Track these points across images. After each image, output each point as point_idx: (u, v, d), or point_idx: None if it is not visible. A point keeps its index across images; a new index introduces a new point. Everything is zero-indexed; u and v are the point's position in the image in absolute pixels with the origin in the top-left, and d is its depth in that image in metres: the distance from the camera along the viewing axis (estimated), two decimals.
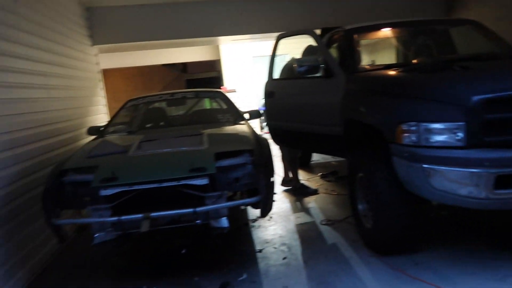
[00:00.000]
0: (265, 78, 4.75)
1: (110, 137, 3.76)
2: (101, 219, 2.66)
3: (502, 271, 2.62)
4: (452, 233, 3.32)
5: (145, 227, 2.57)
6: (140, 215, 2.60)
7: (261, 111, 5.02)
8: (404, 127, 2.57)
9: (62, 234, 2.81)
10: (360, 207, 3.29)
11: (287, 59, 5.07)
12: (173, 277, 3.02)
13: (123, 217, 2.61)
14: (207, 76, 11.93)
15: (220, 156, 2.88)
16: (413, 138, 2.54)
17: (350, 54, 3.78)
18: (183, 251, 3.38)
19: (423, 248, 3.03)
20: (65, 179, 2.83)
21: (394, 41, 4.80)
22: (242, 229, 3.88)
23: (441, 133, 2.46)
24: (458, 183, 2.43)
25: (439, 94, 2.57)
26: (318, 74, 3.79)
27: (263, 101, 10.52)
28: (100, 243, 2.75)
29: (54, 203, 2.75)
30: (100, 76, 6.09)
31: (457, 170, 2.40)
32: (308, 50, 4.72)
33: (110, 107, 6.40)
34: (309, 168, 6.23)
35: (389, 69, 3.45)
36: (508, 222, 3.38)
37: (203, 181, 2.68)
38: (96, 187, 2.65)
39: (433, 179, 2.48)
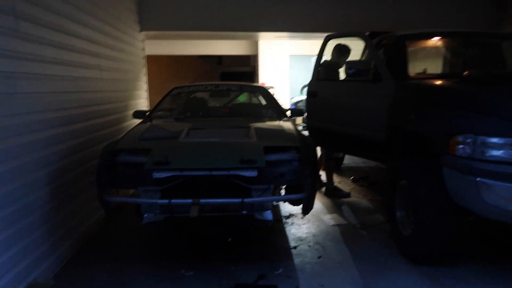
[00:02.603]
0: (304, 78, 4.76)
1: (158, 122, 3.86)
2: (152, 200, 2.75)
3: None
4: (489, 250, 3.29)
5: (194, 212, 2.64)
6: (189, 200, 2.67)
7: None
8: (460, 138, 2.55)
9: (111, 210, 2.92)
10: (398, 214, 3.28)
11: (313, 60, 5.06)
12: (209, 264, 3.09)
13: (173, 200, 2.69)
14: (241, 70, 12.02)
15: (268, 150, 2.93)
16: (468, 150, 2.52)
17: (401, 60, 3.76)
18: (229, 239, 3.45)
19: (460, 262, 3.01)
20: (118, 159, 2.93)
21: (443, 50, 4.74)
22: (274, 225, 3.92)
23: (498, 148, 2.44)
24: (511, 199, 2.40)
25: (499, 108, 2.54)
26: (364, 78, 3.80)
27: (294, 100, 10.50)
28: (148, 223, 2.85)
29: (107, 181, 2.85)
30: (144, 62, 6.24)
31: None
32: (338, 50, 4.72)
33: None
34: (339, 171, 6.22)
35: (441, 79, 3.41)
36: None
37: (253, 173, 2.73)
38: (149, 169, 2.74)
39: (485, 194, 2.46)
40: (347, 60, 4.44)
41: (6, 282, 2.30)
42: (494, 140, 2.45)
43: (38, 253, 2.69)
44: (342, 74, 4.68)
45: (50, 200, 2.92)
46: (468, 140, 2.52)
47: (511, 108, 2.51)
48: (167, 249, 3.49)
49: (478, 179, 2.46)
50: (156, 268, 3.06)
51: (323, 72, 4.69)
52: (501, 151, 2.44)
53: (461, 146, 2.55)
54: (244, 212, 2.77)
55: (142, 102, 5.98)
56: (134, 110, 4.49)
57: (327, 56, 4.79)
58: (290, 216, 4.15)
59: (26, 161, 2.61)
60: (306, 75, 6.05)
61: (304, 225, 3.93)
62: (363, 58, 4.99)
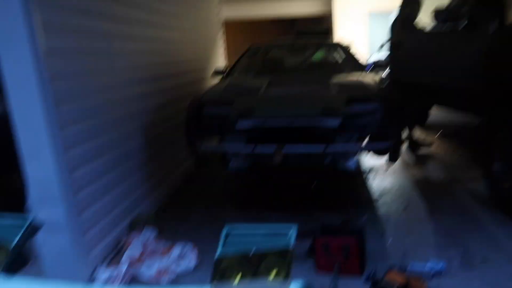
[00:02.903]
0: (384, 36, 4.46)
1: (237, 78, 3.94)
2: (238, 147, 2.86)
3: None
4: None
5: (277, 159, 2.70)
6: (273, 146, 2.73)
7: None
8: None
9: (200, 158, 3.10)
10: (497, 166, 3.04)
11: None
12: (294, 210, 3.16)
13: (257, 148, 2.77)
14: (316, 30, 11.64)
15: (350, 101, 2.86)
16: None
17: (498, 5, 3.37)
18: (315, 183, 3.50)
19: None
20: (204, 111, 3.07)
21: None
22: (357, 178, 3.88)
23: None
24: None
25: None
26: (456, 26, 3.48)
27: (372, 59, 9.96)
28: (234, 169, 2.98)
29: (195, 131, 3.02)
30: (220, 25, 6.36)
31: None
32: (408, 2, 4.35)
33: None
34: (425, 127, 5.88)
35: None
36: None
37: (335, 122, 2.70)
38: (234, 119, 2.83)
39: None
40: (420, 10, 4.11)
41: (115, 215, 2.61)
42: None
43: (138, 193, 2.98)
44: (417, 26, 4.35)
45: (146, 149, 3.18)
46: None
47: None
48: (252, 197, 3.65)
49: None
50: (243, 212, 3.23)
51: (406, 23, 4.38)
52: None
53: None
54: (327, 160, 2.77)
55: (220, 62, 6.14)
56: (214, 69, 4.62)
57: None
58: (372, 169, 4.07)
59: (124, 113, 2.85)
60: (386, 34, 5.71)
61: (387, 178, 3.83)
62: (453, 5, 4.56)
